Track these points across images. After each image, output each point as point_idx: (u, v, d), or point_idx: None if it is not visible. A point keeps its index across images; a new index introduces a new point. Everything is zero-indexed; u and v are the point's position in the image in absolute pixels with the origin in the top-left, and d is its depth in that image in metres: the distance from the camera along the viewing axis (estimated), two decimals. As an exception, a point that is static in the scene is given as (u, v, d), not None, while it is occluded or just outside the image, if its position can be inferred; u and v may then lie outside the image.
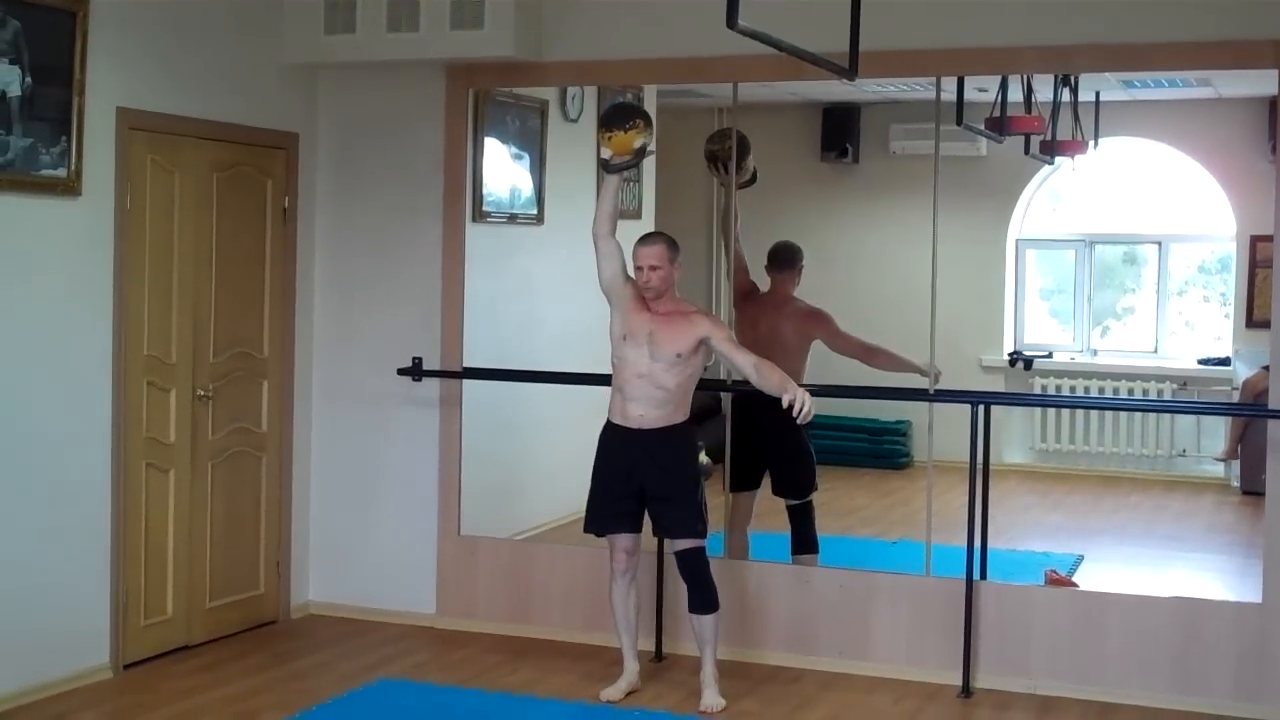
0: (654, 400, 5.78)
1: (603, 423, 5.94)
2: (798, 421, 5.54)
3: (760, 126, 9.00)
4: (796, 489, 7.10)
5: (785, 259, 7.19)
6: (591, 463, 5.95)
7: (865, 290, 10.13)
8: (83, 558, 5.99)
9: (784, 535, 7.10)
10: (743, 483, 6.96)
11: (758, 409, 6.57)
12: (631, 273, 5.84)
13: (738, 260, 7.05)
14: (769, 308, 7.07)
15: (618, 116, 5.84)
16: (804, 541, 7.06)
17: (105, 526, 6.08)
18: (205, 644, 6.60)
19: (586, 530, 5.99)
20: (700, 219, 7.68)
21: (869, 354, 7.13)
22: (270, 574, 7.03)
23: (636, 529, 5.94)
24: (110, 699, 5.87)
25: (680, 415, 5.83)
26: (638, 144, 5.73)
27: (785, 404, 5.52)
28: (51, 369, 5.83)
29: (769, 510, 7.26)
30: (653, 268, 5.76)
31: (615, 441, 5.88)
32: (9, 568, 5.66)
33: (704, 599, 5.86)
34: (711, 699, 5.85)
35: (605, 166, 5.81)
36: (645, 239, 5.85)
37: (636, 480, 5.81)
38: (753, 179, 7.13)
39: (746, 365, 5.74)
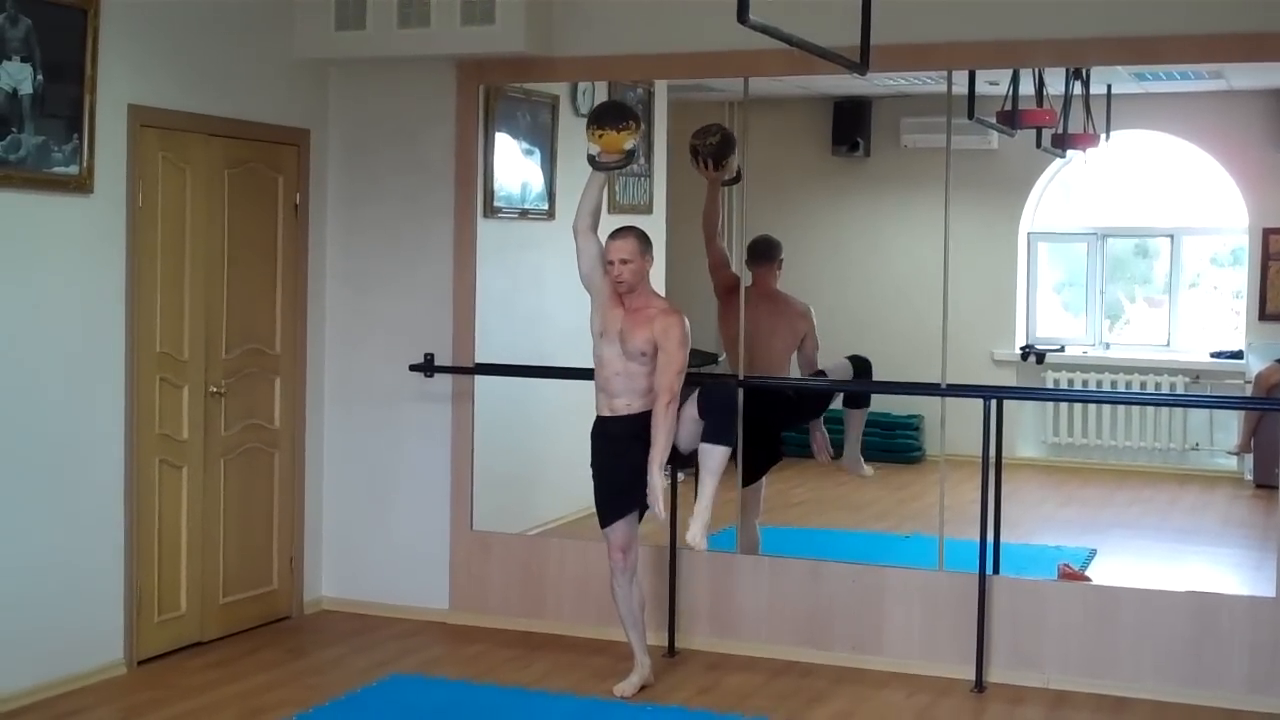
0: (637, 391, 5.79)
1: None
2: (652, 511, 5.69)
3: (771, 121, 9.02)
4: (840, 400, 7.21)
5: (764, 253, 7.19)
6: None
7: (877, 284, 10.13)
8: (96, 555, 6.01)
9: (795, 529, 7.10)
10: (750, 475, 6.96)
11: (764, 399, 6.59)
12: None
13: (719, 256, 7.11)
14: (755, 301, 7.04)
15: (610, 115, 5.84)
16: (856, 398, 7.17)
17: (119, 523, 6.09)
18: (219, 640, 6.62)
19: (603, 527, 5.97)
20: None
21: (809, 366, 7.21)
22: (283, 570, 7.05)
23: (637, 515, 5.93)
24: (124, 695, 5.88)
25: None
26: (628, 145, 5.75)
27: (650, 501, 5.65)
28: (64, 366, 5.85)
29: (779, 505, 7.25)
30: (623, 261, 5.74)
31: (605, 433, 5.88)
32: (23, 565, 5.68)
33: (724, 427, 5.75)
34: (697, 534, 5.72)
35: (593, 163, 5.82)
36: (616, 233, 5.82)
37: (631, 462, 5.77)
38: (737, 177, 7.17)
39: (658, 389, 5.69)
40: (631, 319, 5.77)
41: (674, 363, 5.67)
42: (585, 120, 5.96)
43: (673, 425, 5.68)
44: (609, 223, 6.05)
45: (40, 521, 5.75)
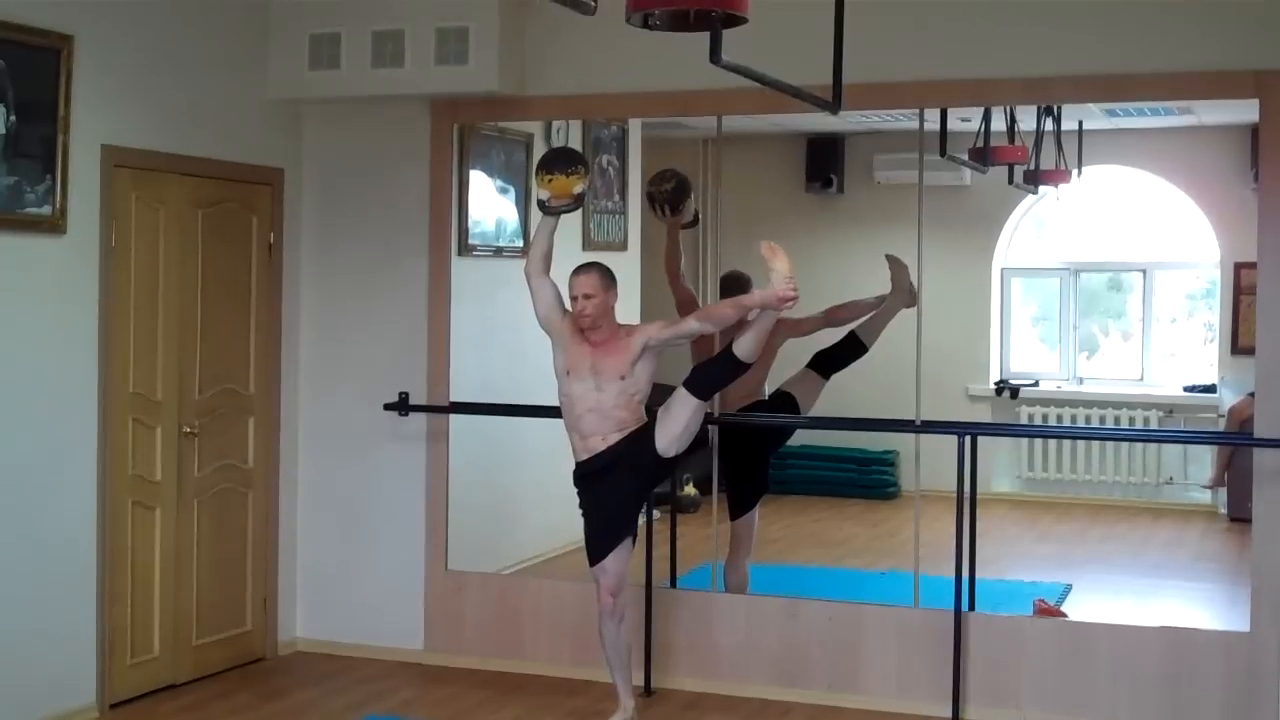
0: (611, 424, 5.73)
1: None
2: (786, 292, 5.49)
3: (744, 158, 9.04)
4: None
5: (735, 289, 7.17)
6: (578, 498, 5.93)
7: (851, 320, 10.13)
8: (69, 596, 5.97)
9: (771, 566, 7.07)
10: (740, 507, 6.94)
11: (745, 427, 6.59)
12: (568, 305, 5.83)
13: (685, 294, 7.17)
14: (727, 336, 7.04)
15: (560, 161, 5.86)
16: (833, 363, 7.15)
17: (91, 565, 6.05)
18: (192, 682, 6.57)
19: (593, 564, 5.91)
20: (685, 251, 7.71)
21: (832, 316, 7.15)
22: (257, 611, 7.00)
23: (628, 546, 5.89)
24: (96, 739, 5.85)
25: (637, 421, 5.75)
26: (577, 189, 5.78)
27: (773, 298, 5.46)
28: (37, 407, 5.81)
29: (755, 541, 7.23)
30: (587, 296, 5.73)
31: (584, 475, 5.82)
32: (-6, 607, 5.64)
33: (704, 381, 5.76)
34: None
35: (543, 207, 5.83)
36: (580, 269, 5.83)
37: (616, 491, 5.74)
38: (695, 220, 7.21)
39: (695, 327, 5.72)
40: (601, 351, 5.75)
41: (679, 321, 5.79)
42: (535, 166, 5.96)
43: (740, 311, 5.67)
44: (584, 260, 6.05)
45: (11, 563, 5.70)
